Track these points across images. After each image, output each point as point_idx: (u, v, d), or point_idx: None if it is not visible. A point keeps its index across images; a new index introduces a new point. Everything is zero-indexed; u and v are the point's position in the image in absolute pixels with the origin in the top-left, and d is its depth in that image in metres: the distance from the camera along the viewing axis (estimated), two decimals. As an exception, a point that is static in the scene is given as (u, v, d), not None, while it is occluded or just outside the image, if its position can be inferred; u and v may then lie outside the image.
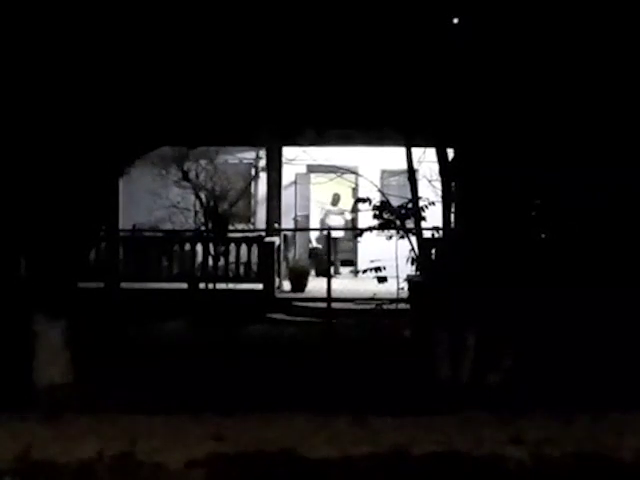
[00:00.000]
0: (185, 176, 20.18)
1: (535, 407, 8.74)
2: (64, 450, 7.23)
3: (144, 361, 12.51)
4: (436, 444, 7.46)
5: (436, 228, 11.09)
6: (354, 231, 20.37)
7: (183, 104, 10.89)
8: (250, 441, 7.48)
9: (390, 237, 11.41)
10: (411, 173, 10.65)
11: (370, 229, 11.08)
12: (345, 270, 24.20)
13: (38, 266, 9.98)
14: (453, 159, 10.93)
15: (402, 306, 14.57)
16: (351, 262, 24.18)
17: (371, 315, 15.05)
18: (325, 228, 22.06)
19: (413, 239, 11.05)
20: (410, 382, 10.29)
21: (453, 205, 10.73)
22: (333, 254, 24.31)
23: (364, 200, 10.98)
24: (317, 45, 11.75)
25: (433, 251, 11.90)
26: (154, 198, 20.08)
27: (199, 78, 10.91)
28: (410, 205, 10.85)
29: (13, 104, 9.42)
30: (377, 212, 11.01)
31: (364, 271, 11.47)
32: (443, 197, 10.58)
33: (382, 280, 11.63)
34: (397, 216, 10.80)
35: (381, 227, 11.02)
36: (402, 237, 11.15)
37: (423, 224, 10.93)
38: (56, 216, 9.75)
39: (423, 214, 10.86)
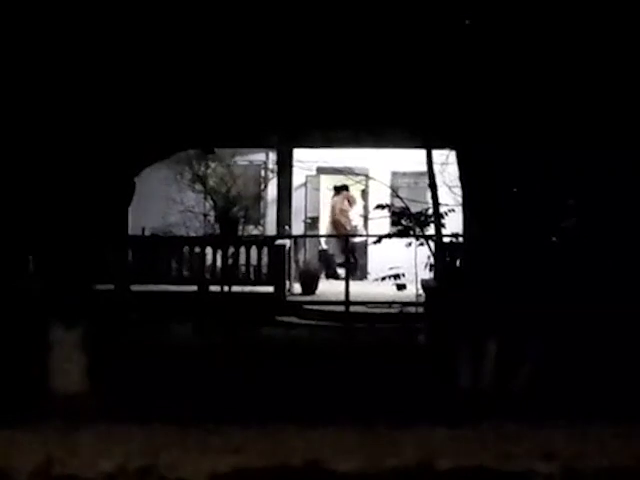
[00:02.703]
0: (195, 178, 20.04)
1: (560, 418, 8.60)
2: (85, 463, 7.08)
3: (157, 366, 12.37)
4: (462, 458, 7.30)
5: (455, 235, 10.99)
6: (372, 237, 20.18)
7: (199, 108, 10.81)
8: (273, 454, 7.33)
9: (409, 244, 11.28)
10: (431, 178, 10.52)
11: (390, 236, 10.94)
12: (343, 272, 23.92)
13: (55, 272, 9.87)
14: (472, 163, 10.81)
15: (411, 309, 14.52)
16: (352, 264, 23.95)
17: (385, 319, 14.96)
18: (344, 235, 21.94)
19: (432, 245, 10.94)
20: (430, 390, 10.15)
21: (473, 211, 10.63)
22: (341, 257, 24.26)
23: (384, 207, 10.85)
24: (331, 48, 11.65)
25: (450, 257, 11.79)
26: (168, 202, 19.96)
27: (214, 83, 10.84)
28: (430, 211, 10.71)
29: (30, 106, 9.30)
30: (396, 218, 10.86)
31: (383, 278, 11.32)
32: (464, 203, 10.47)
33: (401, 287, 11.50)
34: (416, 222, 10.65)
35: (400, 234, 10.88)
36: (421, 244, 11.02)
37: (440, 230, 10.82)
38: (74, 221, 9.64)
39: (443, 221, 10.74)
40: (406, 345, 13.19)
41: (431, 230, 10.66)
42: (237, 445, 7.56)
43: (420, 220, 10.72)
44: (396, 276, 11.35)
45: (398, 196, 11.72)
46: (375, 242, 11.13)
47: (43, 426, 8.10)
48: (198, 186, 20.32)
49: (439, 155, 19.21)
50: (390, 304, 13.30)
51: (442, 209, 10.80)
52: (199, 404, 9.97)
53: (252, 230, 21.57)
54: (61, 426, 8.16)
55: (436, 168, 17.22)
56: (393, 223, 10.90)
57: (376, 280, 11.65)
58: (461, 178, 10.63)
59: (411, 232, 10.84)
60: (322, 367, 12.27)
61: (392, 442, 7.73)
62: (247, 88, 11.46)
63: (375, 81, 12.30)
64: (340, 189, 23.53)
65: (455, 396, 9.78)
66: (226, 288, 19.30)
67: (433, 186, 10.55)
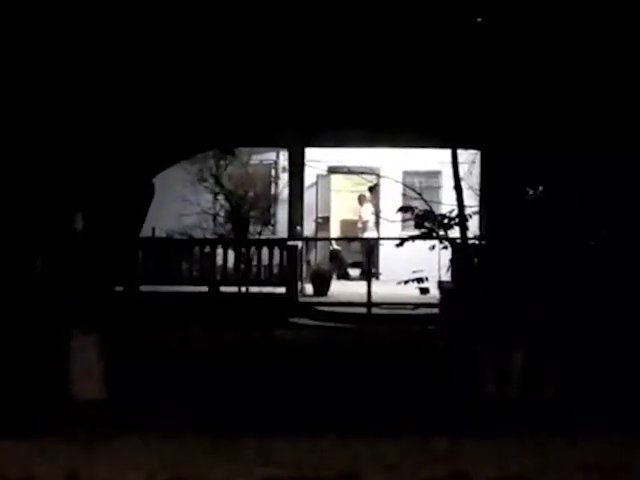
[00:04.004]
0: (208, 178, 19.88)
1: (590, 426, 8.44)
2: (113, 476, 6.91)
3: (173, 369, 12.19)
4: (499, 469, 7.13)
5: (477, 237, 10.83)
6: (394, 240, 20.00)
7: (218, 109, 10.66)
8: (305, 465, 7.16)
9: (433, 247, 11.10)
10: (457, 180, 10.34)
11: (413, 238, 10.75)
12: (354, 272, 23.80)
13: (72, 276, 9.70)
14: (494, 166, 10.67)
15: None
16: (360, 264, 23.85)
17: (401, 321, 14.81)
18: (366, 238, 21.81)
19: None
20: (454, 398, 9.98)
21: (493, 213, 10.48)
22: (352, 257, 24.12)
23: (406, 209, 10.67)
24: (346, 48, 11.51)
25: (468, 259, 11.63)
26: (182, 203, 19.81)
27: (231, 83, 10.71)
28: (453, 214, 10.54)
29: (50, 110, 9.15)
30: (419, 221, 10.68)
31: (406, 282, 11.14)
32: (487, 205, 10.34)
33: (425, 291, 11.31)
34: (440, 225, 10.47)
35: (424, 236, 10.70)
36: (445, 247, 10.85)
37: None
38: (93, 225, 9.48)
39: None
40: (425, 348, 13.01)
41: (455, 233, 10.48)
42: (263, 456, 7.39)
43: (443, 222, 10.54)
44: (419, 279, 11.16)
45: (422, 198, 11.53)
46: (397, 245, 10.95)
47: (67, 436, 7.93)
48: (211, 186, 20.13)
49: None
50: (415, 306, 13.12)
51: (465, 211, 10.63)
52: (222, 411, 9.79)
53: (263, 230, 21.37)
54: (84, 436, 7.99)
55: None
56: (416, 225, 10.70)
57: (406, 283, 11.39)
58: (482, 180, 10.51)
59: (434, 235, 10.66)
60: (340, 372, 12.08)
61: (426, 452, 7.56)
62: (261, 88, 11.32)
63: (391, 80, 12.14)
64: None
65: (481, 403, 9.61)
66: (237, 289, 19.15)
67: (458, 188, 10.38)
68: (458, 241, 10.46)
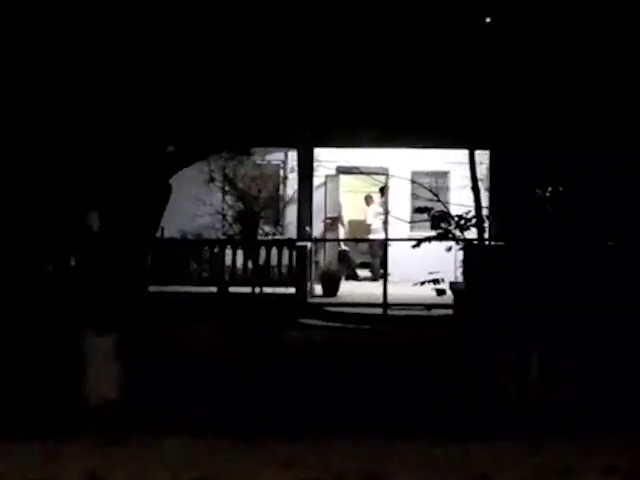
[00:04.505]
0: (221, 179, 19.82)
1: (610, 428, 8.39)
2: (137, 476, 6.86)
3: (186, 371, 12.12)
4: (522, 472, 7.08)
5: (489, 238, 10.77)
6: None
7: (235, 110, 10.64)
8: (326, 468, 7.11)
9: (449, 248, 11.04)
10: (474, 181, 10.29)
11: (429, 239, 10.68)
12: (362, 273, 23.74)
13: (90, 278, 9.66)
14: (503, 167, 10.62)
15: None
16: (369, 265, 23.78)
17: (414, 322, 14.73)
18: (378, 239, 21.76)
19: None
20: (472, 399, 9.91)
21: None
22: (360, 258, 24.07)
23: (423, 210, 10.60)
24: (359, 49, 11.48)
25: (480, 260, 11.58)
26: (195, 203, 19.76)
27: (247, 84, 10.69)
28: (470, 215, 10.48)
29: (74, 113, 9.12)
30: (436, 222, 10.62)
31: (422, 283, 11.06)
32: (498, 205, 10.28)
33: (441, 292, 11.24)
34: (457, 226, 10.41)
35: (440, 237, 10.63)
36: (461, 249, 10.79)
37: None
38: (110, 227, 9.43)
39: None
40: (439, 349, 12.93)
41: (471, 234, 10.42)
42: (284, 458, 7.34)
43: (460, 223, 10.48)
44: (435, 281, 11.09)
45: (439, 199, 11.46)
46: (414, 246, 10.89)
47: (85, 437, 7.89)
48: (223, 185, 20.08)
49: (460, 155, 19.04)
50: (427, 307, 13.04)
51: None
52: (237, 412, 9.73)
53: (271, 230, 21.30)
54: (103, 437, 7.94)
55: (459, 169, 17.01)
56: (432, 226, 10.63)
57: (423, 284, 11.26)
58: (492, 180, 10.46)
59: (451, 236, 10.60)
60: (355, 372, 12.00)
61: (448, 454, 7.51)
62: (274, 89, 11.30)
63: (401, 81, 12.10)
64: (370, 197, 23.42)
65: (501, 406, 9.53)
66: (247, 289, 19.08)
67: (476, 189, 10.32)
68: (475, 242, 10.38)
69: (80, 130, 9.10)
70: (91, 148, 9.23)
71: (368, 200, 23.37)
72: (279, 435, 8.18)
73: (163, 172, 9.62)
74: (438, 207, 11.43)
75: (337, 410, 9.72)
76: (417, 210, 10.81)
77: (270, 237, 20.69)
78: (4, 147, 9.19)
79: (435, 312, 15.48)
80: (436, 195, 11.22)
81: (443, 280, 11.34)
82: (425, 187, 13.60)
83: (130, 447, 7.70)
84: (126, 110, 9.34)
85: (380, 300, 18.72)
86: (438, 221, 10.54)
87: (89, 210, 9.42)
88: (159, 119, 9.78)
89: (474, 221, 10.52)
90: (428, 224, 12.92)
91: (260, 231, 21.07)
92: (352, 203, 24.10)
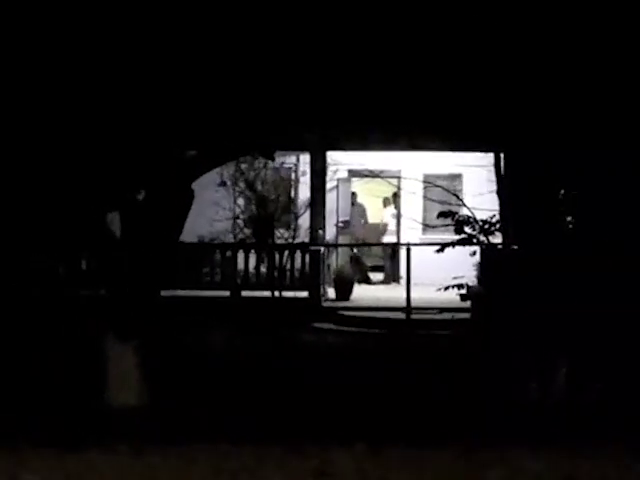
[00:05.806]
0: (238, 182, 19.76)
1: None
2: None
3: (207, 376, 12.00)
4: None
5: (505, 242, 10.68)
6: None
7: (258, 113, 10.54)
8: (359, 477, 7.00)
9: (474, 253, 10.92)
10: (499, 184, 10.17)
11: (453, 244, 10.56)
12: (375, 277, 23.65)
13: (112, 282, 9.56)
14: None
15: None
16: (382, 268, 23.72)
17: (432, 326, 14.64)
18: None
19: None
20: (496, 404, 9.79)
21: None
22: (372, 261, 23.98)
23: (447, 214, 10.48)
24: (371, 51, 11.39)
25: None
26: (213, 207, 19.69)
27: (263, 86, 10.61)
28: (494, 219, 10.37)
29: (92, 117, 9.02)
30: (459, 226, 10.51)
31: (446, 288, 10.95)
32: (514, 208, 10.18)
33: (465, 297, 11.12)
34: (481, 230, 10.29)
35: (464, 242, 10.51)
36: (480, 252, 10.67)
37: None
38: (132, 232, 9.33)
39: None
40: (460, 353, 12.82)
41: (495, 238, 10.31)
42: (316, 467, 7.22)
43: (484, 228, 10.36)
44: (459, 286, 10.97)
45: (463, 203, 11.33)
46: (437, 251, 10.77)
47: (110, 444, 7.76)
48: (242, 190, 20.02)
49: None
50: (452, 311, 12.95)
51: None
52: (258, 418, 9.60)
53: (283, 234, 21.20)
54: (127, 445, 7.81)
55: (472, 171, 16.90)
56: (456, 230, 10.52)
57: (446, 289, 11.13)
58: (506, 184, 10.35)
59: (475, 241, 10.48)
60: (377, 378, 11.90)
61: (473, 462, 7.38)
62: (288, 92, 11.20)
63: (413, 83, 11.98)
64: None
65: (527, 409, 9.42)
66: (260, 293, 19.01)
67: (500, 192, 10.20)
68: (498, 246, 10.28)
69: (101, 131, 8.99)
70: (112, 150, 9.12)
71: (385, 202, 23.55)
72: (307, 440, 8.06)
73: (185, 176, 9.51)
74: (456, 209, 11.38)
75: (373, 418, 9.52)
76: (441, 214, 10.68)
77: (285, 240, 20.59)
78: (24, 150, 9.08)
79: (457, 316, 15.41)
80: (460, 199, 11.11)
81: (467, 285, 11.24)
82: (448, 190, 13.49)
83: (156, 457, 7.55)
84: (149, 112, 9.24)
85: (395, 304, 18.67)
86: (462, 225, 10.42)
87: (110, 213, 9.31)
88: (181, 122, 9.68)
89: (498, 226, 10.40)
90: (442, 227, 12.84)
91: (277, 234, 20.97)
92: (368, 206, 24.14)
